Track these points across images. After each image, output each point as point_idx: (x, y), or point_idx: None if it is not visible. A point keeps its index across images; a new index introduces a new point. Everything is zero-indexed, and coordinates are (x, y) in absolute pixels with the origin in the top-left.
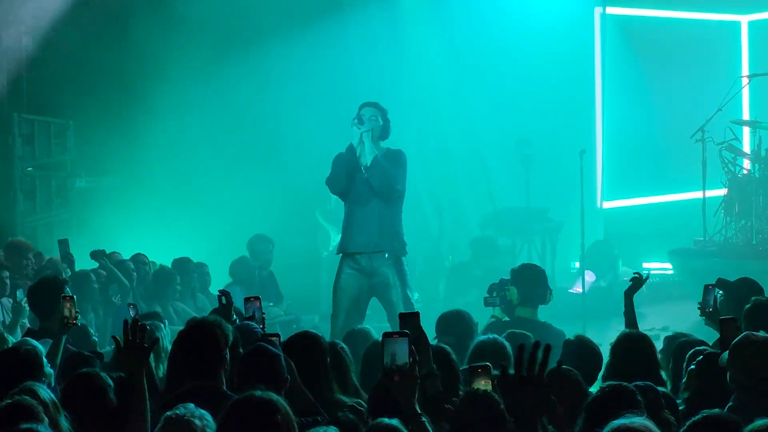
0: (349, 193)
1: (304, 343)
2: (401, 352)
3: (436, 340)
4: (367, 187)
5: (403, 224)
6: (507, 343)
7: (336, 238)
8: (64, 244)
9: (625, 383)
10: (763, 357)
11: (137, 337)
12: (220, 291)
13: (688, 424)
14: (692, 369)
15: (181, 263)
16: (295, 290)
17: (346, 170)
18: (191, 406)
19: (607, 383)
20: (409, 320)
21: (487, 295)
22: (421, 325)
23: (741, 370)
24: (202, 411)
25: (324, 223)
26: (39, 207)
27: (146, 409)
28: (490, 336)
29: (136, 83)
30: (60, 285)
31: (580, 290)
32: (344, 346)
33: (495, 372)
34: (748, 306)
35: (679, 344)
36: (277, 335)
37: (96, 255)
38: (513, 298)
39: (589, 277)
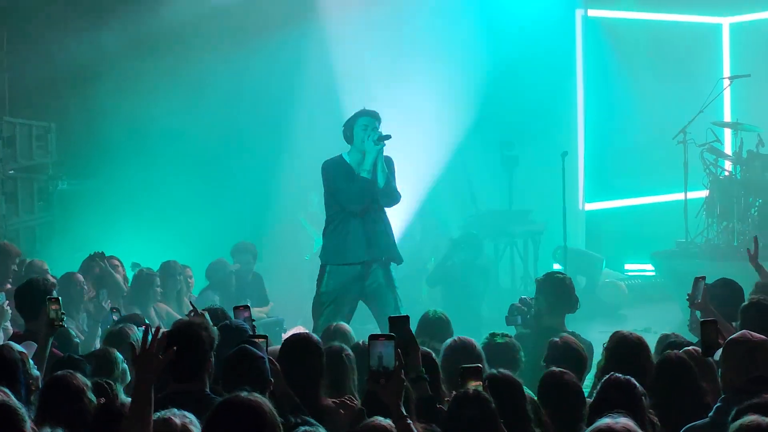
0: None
1: (299, 343)
2: (388, 355)
3: (424, 343)
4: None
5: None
6: (477, 343)
7: (319, 242)
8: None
9: (626, 376)
10: (755, 356)
11: (155, 345)
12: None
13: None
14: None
15: (168, 266)
16: (278, 294)
17: (366, 187)
18: (175, 410)
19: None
20: (399, 324)
21: (509, 315)
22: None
23: (732, 368)
24: (186, 413)
25: (307, 227)
26: (21, 210)
27: (151, 421)
28: (456, 337)
29: (117, 86)
30: (47, 287)
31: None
32: (350, 352)
33: (500, 371)
34: (743, 305)
35: (668, 345)
36: (265, 337)
37: (94, 257)
38: (541, 308)
39: None
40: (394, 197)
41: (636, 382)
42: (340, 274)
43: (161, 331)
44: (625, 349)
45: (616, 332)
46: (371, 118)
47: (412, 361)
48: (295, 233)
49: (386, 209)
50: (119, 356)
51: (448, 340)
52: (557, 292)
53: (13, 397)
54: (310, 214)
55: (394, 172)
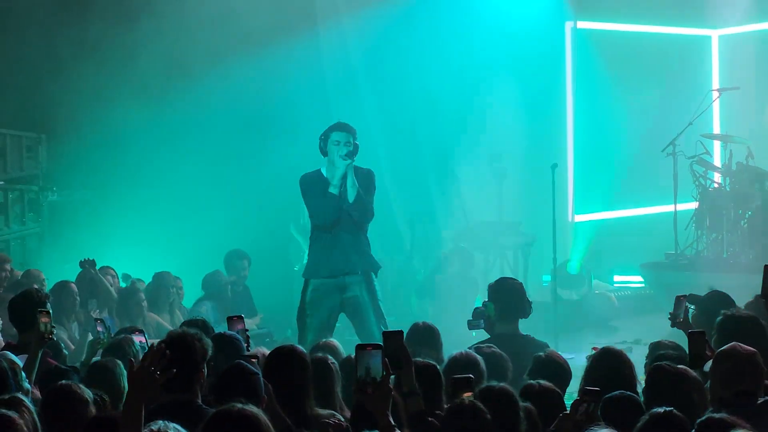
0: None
1: (284, 356)
2: (375, 365)
3: (416, 352)
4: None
5: (369, 240)
6: (480, 357)
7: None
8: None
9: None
10: (742, 370)
11: (155, 363)
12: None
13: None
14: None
15: (161, 277)
16: (268, 305)
17: (333, 203)
18: (161, 423)
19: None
20: (393, 338)
21: (471, 319)
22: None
23: (718, 381)
24: (176, 425)
25: (297, 237)
26: (11, 221)
27: None
28: (463, 351)
29: (108, 97)
30: (41, 299)
31: None
32: (335, 361)
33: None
34: (719, 319)
35: (656, 357)
36: (256, 357)
37: (84, 264)
38: (491, 314)
39: None
40: (365, 212)
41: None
42: (319, 287)
43: (159, 347)
44: (607, 361)
45: (600, 348)
46: (344, 132)
47: (406, 375)
48: (285, 244)
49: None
50: (124, 371)
51: (453, 354)
52: (509, 298)
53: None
54: (301, 225)
55: (372, 186)
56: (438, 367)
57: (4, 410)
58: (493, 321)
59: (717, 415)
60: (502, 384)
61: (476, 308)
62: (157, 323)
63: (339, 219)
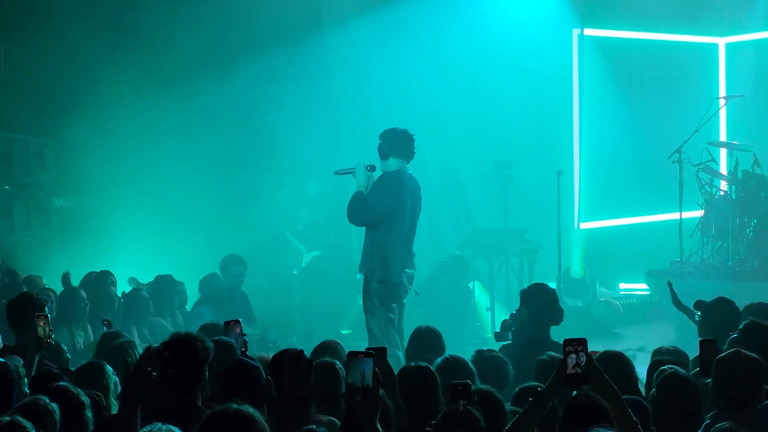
0: None
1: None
2: (366, 372)
3: (415, 356)
4: None
5: (387, 247)
6: (467, 360)
7: (309, 256)
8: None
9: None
10: (739, 377)
11: (151, 365)
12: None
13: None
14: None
15: (163, 280)
16: (268, 310)
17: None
18: (159, 425)
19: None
20: (376, 356)
21: (499, 331)
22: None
23: (715, 387)
24: (170, 427)
25: (295, 241)
26: (17, 226)
27: None
28: (448, 354)
29: (114, 103)
30: (38, 302)
31: None
32: (337, 363)
33: (483, 387)
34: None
35: (654, 363)
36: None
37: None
38: (524, 319)
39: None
40: (349, 211)
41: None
42: None
43: (155, 350)
44: (607, 363)
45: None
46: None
47: (391, 393)
48: (283, 249)
49: (378, 228)
50: (109, 369)
51: (440, 359)
52: (540, 303)
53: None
54: (297, 231)
55: (373, 193)
56: (433, 369)
57: (19, 419)
58: (525, 325)
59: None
60: (484, 387)
61: (504, 320)
62: (160, 324)
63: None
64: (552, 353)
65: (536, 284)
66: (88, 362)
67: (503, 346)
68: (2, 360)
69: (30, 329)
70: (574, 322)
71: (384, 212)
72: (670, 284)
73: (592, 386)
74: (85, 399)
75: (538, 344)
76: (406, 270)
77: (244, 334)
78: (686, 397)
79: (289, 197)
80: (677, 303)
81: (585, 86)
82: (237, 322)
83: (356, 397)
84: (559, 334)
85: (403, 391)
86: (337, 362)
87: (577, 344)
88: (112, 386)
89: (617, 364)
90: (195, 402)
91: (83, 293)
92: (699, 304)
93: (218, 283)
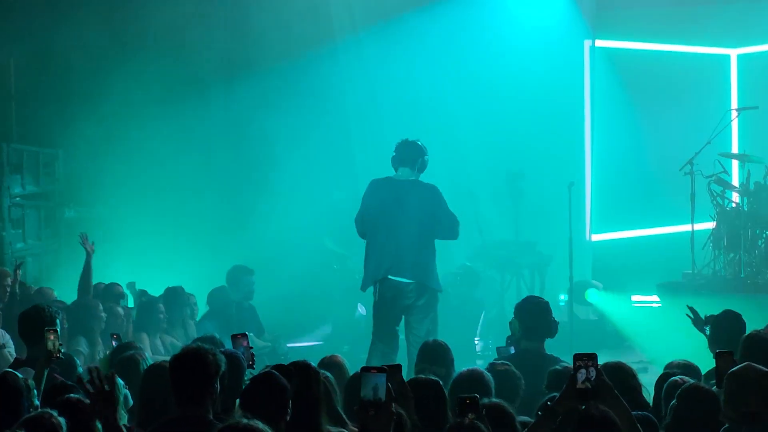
0: None
1: (300, 372)
2: (379, 387)
3: (425, 369)
4: None
5: (366, 255)
6: (487, 374)
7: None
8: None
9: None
10: (752, 390)
11: (103, 384)
12: None
13: None
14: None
15: (173, 292)
16: (279, 321)
17: None
18: None
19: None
20: (391, 374)
21: (502, 346)
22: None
23: (728, 401)
24: None
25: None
26: (27, 236)
27: None
28: (468, 368)
29: (124, 114)
30: (49, 316)
31: None
32: (329, 375)
33: (495, 400)
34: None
35: (663, 375)
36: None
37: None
38: (515, 331)
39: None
40: None
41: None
42: None
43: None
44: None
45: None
46: None
47: (407, 410)
48: (291, 257)
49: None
50: (120, 381)
51: (460, 371)
52: (533, 316)
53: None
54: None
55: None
56: (441, 383)
57: None
58: (518, 338)
59: None
60: (495, 400)
61: (509, 336)
62: (171, 342)
63: None
64: (563, 363)
65: (529, 297)
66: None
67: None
68: (11, 371)
69: (41, 342)
70: (586, 335)
71: (359, 222)
72: (692, 309)
73: (602, 401)
74: None
75: (532, 357)
76: (389, 277)
77: (251, 347)
78: (708, 410)
79: (298, 206)
80: (699, 325)
81: (596, 98)
82: (244, 335)
83: (369, 411)
84: (571, 347)
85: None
86: (330, 375)
87: (587, 359)
88: (122, 399)
89: (618, 374)
90: (206, 415)
91: (101, 307)
92: (709, 319)
93: (226, 295)
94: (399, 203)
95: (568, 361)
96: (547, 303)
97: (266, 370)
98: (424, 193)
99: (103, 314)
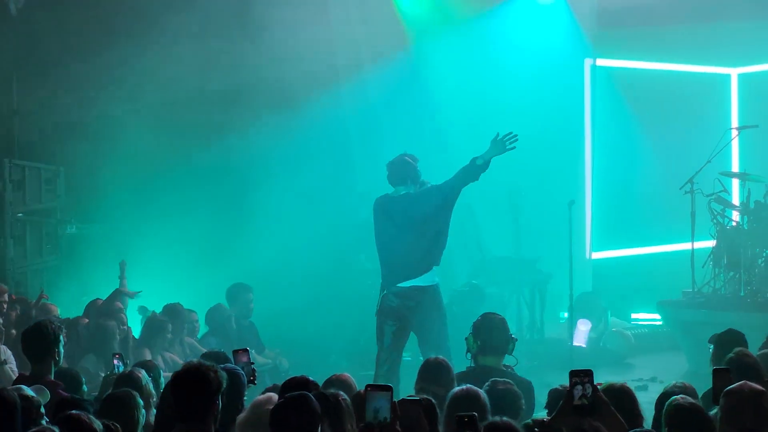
0: None
1: (295, 388)
2: (383, 406)
3: (422, 390)
4: None
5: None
6: (482, 392)
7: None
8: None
9: None
10: (748, 408)
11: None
12: None
13: None
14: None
15: (173, 309)
16: (280, 338)
17: None
18: None
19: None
20: (410, 409)
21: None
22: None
23: (724, 419)
24: None
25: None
26: (29, 253)
27: None
28: (464, 386)
29: (127, 131)
30: (55, 331)
31: (583, 345)
32: (346, 397)
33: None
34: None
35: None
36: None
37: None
38: (471, 348)
39: (584, 326)
40: None
41: None
42: None
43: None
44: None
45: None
46: None
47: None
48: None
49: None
50: (140, 400)
51: (454, 389)
52: (489, 334)
53: None
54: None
55: None
56: (434, 402)
57: None
58: (474, 354)
59: None
60: (506, 419)
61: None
62: (173, 361)
63: None
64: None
65: (486, 314)
66: (118, 391)
67: (457, 374)
68: (8, 388)
69: (45, 358)
70: (586, 351)
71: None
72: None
73: (599, 417)
74: (98, 426)
75: (489, 374)
76: (398, 284)
77: (252, 363)
78: (702, 429)
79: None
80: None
81: (597, 116)
82: (245, 350)
83: (374, 431)
84: (571, 363)
85: (401, 423)
86: (342, 393)
87: (584, 375)
88: (141, 418)
89: (620, 396)
90: (207, 431)
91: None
92: (712, 339)
93: (224, 313)
94: (395, 213)
95: (547, 378)
96: (503, 319)
97: (300, 393)
98: (420, 199)
99: (118, 337)
